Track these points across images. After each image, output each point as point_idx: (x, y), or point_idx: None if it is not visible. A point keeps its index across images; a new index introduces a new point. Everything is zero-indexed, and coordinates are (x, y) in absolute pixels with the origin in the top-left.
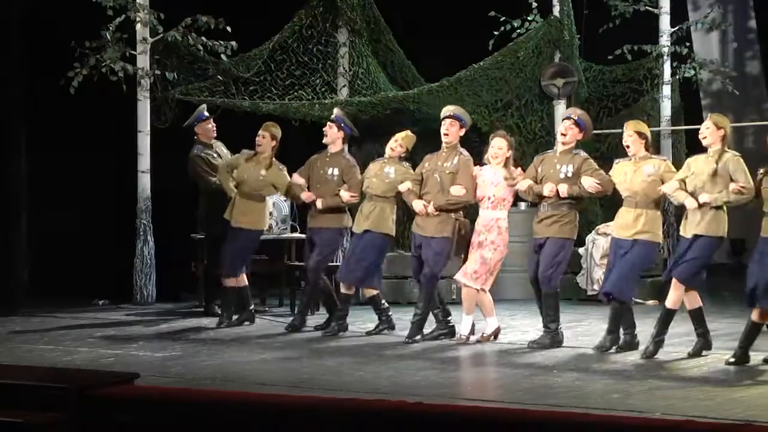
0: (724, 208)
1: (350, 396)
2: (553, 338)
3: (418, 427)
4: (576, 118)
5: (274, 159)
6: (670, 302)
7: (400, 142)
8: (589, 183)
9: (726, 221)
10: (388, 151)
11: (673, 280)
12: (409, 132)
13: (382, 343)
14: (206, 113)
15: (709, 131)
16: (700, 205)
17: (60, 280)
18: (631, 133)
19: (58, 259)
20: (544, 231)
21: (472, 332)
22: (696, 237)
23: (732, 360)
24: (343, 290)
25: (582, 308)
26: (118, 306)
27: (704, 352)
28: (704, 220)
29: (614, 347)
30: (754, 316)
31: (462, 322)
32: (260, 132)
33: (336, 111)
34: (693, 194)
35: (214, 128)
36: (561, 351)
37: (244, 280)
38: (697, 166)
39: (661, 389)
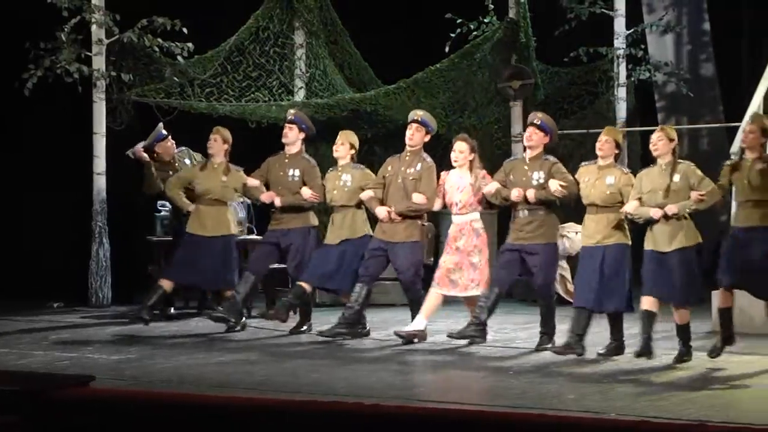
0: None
1: (307, 398)
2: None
3: (375, 429)
4: (539, 122)
5: (228, 162)
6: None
7: (339, 146)
8: (555, 186)
9: (695, 228)
10: (339, 154)
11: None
12: (346, 130)
13: (337, 346)
14: (164, 132)
15: (661, 143)
16: (668, 217)
17: (15, 283)
18: (609, 138)
19: (14, 261)
20: (530, 237)
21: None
22: (676, 251)
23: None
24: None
25: (537, 309)
26: (74, 309)
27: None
28: (681, 233)
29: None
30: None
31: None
32: (211, 136)
33: (294, 112)
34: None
35: (174, 145)
36: (517, 352)
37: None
38: (652, 181)
39: (616, 390)
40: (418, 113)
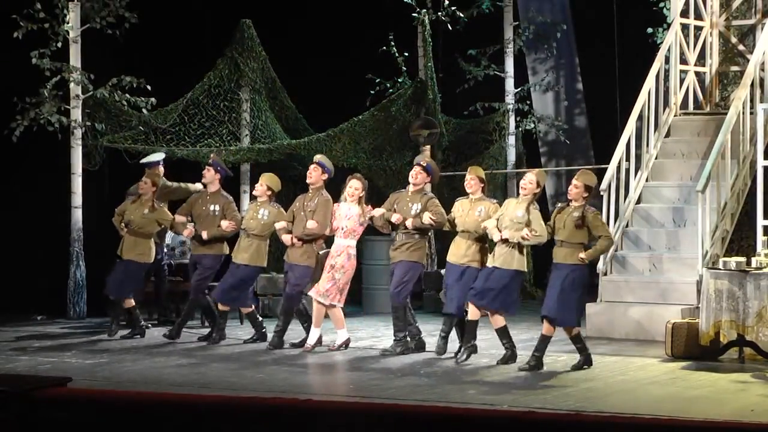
0: (525, 247)
1: (251, 394)
2: (403, 346)
3: (311, 419)
4: (425, 164)
5: (155, 200)
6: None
7: (264, 186)
8: (426, 218)
9: (522, 257)
10: (257, 193)
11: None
12: (268, 174)
13: (274, 352)
14: (158, 159)
15: (531, 186)
16: (502, 240)
17: (3, 299)
18: (473, 176)
19: (2, 281)
20: (398, 256)
21: (318, 342)
22: (497, 267)
23: (526, 367)
24: (221, 308)
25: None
26: (54, 321)
27: (511, 362)
28: (509, 257)
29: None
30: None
31: (311, 333)
32: (144, 179)
33: (213, 156)
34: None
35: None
36: (425, 356)
37: (131, 302)
38: (508, 209)
39: (506, 386)
40: (317, 156)
